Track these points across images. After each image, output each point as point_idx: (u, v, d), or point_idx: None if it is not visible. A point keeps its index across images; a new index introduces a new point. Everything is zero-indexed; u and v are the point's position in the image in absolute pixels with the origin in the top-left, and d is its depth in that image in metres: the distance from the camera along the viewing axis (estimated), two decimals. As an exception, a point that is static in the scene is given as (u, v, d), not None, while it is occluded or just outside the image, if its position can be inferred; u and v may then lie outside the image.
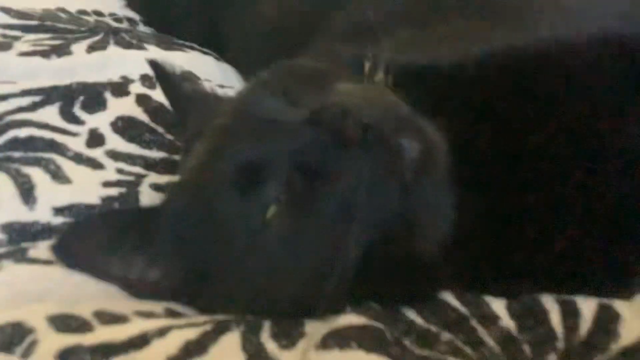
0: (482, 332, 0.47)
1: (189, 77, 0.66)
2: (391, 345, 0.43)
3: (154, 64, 0.64)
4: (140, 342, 0.41)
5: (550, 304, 0.50)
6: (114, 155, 0.65)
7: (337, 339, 0.42)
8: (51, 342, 0.40)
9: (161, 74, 0.64)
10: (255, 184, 0.47)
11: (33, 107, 0.69)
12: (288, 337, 0.45)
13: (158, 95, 0.73)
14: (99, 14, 1.06)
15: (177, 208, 0.52)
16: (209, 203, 0.49)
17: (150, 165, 0.66)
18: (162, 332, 0.42)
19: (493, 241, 0.51)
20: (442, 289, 0.51)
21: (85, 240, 0.50)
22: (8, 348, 0.39)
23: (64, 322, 0.42)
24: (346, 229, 0.45)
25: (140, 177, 0.63)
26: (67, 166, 0.61)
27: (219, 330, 0.44)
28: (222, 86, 0.80)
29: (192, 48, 0.93)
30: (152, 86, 0.75)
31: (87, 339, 0.41)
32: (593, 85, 0.53)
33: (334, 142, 0.45)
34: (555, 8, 0.62)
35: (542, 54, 0.54)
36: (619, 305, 0.50)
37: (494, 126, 0.52)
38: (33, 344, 0.39)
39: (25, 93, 0.70)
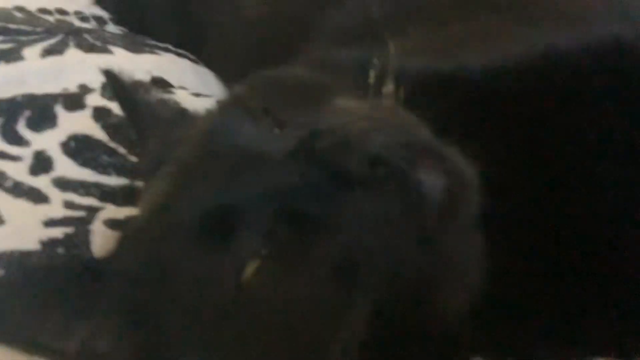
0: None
1: (157, 86, 0.55)
2: None
3: (108, 73, 0.53)
4: None
5: None
6: (63, 184, 0.54)
7: None
8: None
9: (118, 86, 0.52)
10: (227, 235, 0.37)
11: (-33, 125, 0.58)
12: None
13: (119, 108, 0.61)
14: (62, 12, 0.95)
15: (128, 264, 0.41)
16: (168, 260, 0.39)
17: (107, 195, 0.55)
18: None
19: (532, 301, 0.41)
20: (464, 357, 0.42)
21: (12, 301, 0.40)
22: None
23: None
24: (348, 289, 0.36)
25: (93, 212, 0.52)
26: (3, 201, 0.50)
27: None
28: (197, 94, 0.69)
29: (167, 50, 0.83)
30: (111, 97, 0.64)
31: None
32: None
33: (331, 181, 0.34)
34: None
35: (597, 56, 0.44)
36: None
37: (542, 153, 0.41)
38: None
39: (-41, 108, 0.59)
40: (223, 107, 0.43)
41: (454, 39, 0.49)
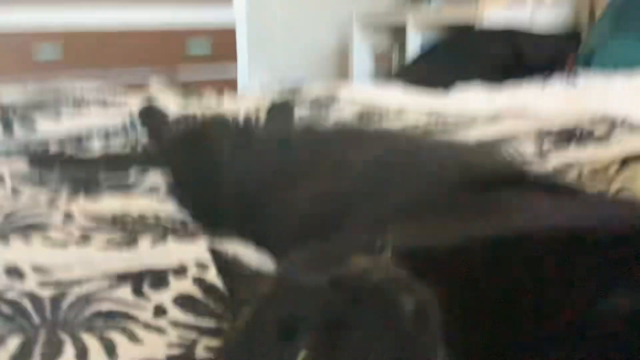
0: None
1: (239, 260, 0.84)
2: None
3: (211, 249, 0.83)
4: None
5: None
6: (175, 324, 0.81)
7: None
8: None
9: (217, 255, 0.82)
10: (289, 336, 0.60)
11: (110, 287, 0.87)
12: None
13: (210, 276, 0.90)
14: (157, 217, 1.26)
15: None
16: (254, 354, 0.63)
17: (204, 332, 0.81)
18: None
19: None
20: None
21: None
22: None
23: None
24: None
25: (195, 342, 0.78)
26: (139, 331, 0.77)
27: None
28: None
29: (237, 242, 1.12)
30: (204, 270, 0.93)
31: None
32: (556, 262, 0.69)
33: (349, 301, 0.61)
34: (527, 207, 0.81)
35: (510, 241, 0.71)
36: None
37: (475, 291, 0.67)
38: None
39: (105, 277, 0.88)
40: (288, 264, 0.71)
41: (429, 230, 0.78)
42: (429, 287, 0.63)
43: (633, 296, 0.67)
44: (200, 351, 0.77)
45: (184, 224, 1.26)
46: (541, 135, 1.66)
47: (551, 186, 0.86)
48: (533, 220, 0.74)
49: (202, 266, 0.94)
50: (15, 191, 1.29)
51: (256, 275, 0.77)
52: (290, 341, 0.61)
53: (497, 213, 0.77)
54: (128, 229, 1.11)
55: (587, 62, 3.11)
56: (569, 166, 1.41)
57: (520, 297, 0.67)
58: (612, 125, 1.69)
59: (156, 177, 1.42)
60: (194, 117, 1.90)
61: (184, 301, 0.86)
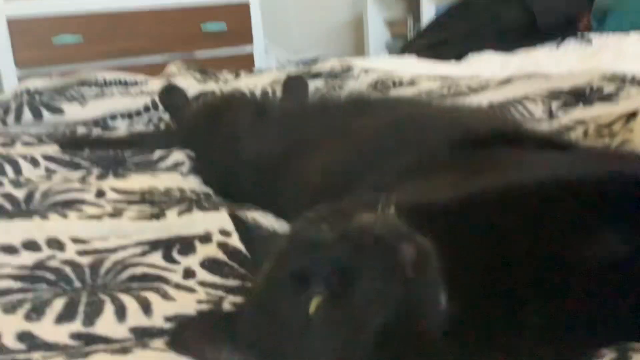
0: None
1: (258, 223, 0.91)
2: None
3: (232, 215, 0.90)
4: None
5: None
6: (203, 284, 0.89)
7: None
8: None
9: (237, 220, 0.89)
10: (304, 285, 0.66)
11: (143, 253, 0.95)
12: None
13: (232, 241, 0.97)
14: (182, 191, 1.34)
15: (250, 310, 0.73)
16: (273, 303, 0.69)
17: (229, 290, 0.89)
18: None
19: (479, 324, 0.71)
20: None
21: (187, 335, 0.72)
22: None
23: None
24: (368, 312, 0.64)
25: (222, 298, 0.86)
26: (171, 291, 0.85)
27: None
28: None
29: (255, 210, 1.19)
30: (227, 236, 1.00)
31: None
32: (547, 212, 0.75)
33: (355, 251, 0.67)
34: (526, 163, 0.86)
35: (505, 193, 0.77)
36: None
37: (471, 241, 0.73)
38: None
39: (137, 244, 0.96)
40: (300, 222, 0.77)
41: (429, 189, 0.84)
42: (429, 238, 0.70)
43: (624, 243, 0.72)
44: (227, 306, 0.84)
45: (207, 196, 1.34)
46: (551, 96, 1.69)
47: (549, 142, 0.92)
48: (527, 173, 0.79)
49: (225, 233, 1.01)
50: (49, 171, 1.37)
51: (274, 237, 0.84)
52: (305, 290, 0.68)
53: (493, 169, 0.82)
54: (156, 202, 1.18)
55: (601, 22, 3.10)
56: (577, 123, 1.45)
57: (515, 244, 0.72)
58: (622, 83, 1.71)
59: (179, 155, 1.49)
60: (212, 93, 1.96)
61: (210, 264, 0.93)
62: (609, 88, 1.68)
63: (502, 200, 0.75)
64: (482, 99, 1.77)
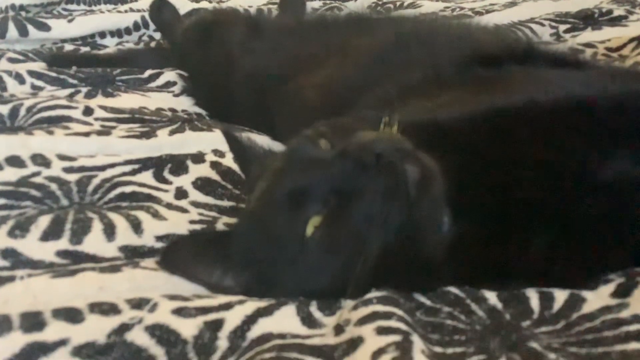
0: (474, 307, 0.62)
1: (252, 141, 0.87)
2: (403, 306, 0.59)
3: (226, 132, 0.86)
4: (226, 306, 0.59)
5: (531, 293, 0.64)
6: (195, 204, 0.86)
7: (364, 302, 0.59)
8: (166, 305, 0.58)
9: (232, 139, 0.85)
10: (301, 205, 0.63)
11: (133, 172, 0.91)
12: (330, 309, 0.62)
13: (226, 161, 0.94)
14: (173, 110, 1.29)
15: (244, 230, 0.70)
16: (268, 223, 0.66)
17: (222, 211, 0.85)
18: (241, 302, 0.60)
19: (484, 247, 0.68)
20: (446, 285, 0.65)
21: (179, 254, 0.69)
22: (139, 306, 0.58)
23: (173, 296, 0.61)
24: (367, 233, 0.61)
25: (215, 219, 0.83)
26: (163, 210, 0.82)
27: (281, 303, 0.61)
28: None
29: (250, 132, 1.14)
30: (221, 156, 0.96)
31: (190, 304, 0.59)
32: (558, 130, 0.71)
33: (356, 169, 0.63)
34: (533, 79, 0.81)
35: (516, 111, 0.73)
36: (586, 293, 0.64)
37: (479, 160, 0.69)
38: (155, 305, 0.58)
39: (127, 162, 0.92)
40: (298, 139, 0.73)
41: (435, 105, 0.79)
42: (434, 157, 0.66)
43: (634, 163, 0.69)
44: (220, 227, 0.81)
45: (200, 116, 1.29)
46: (558, 18, 1.62)
47: (562, 61, 0.86)
48: (540, 91, 0.75)
49: (219, 153, 0.97)
50: (35, 88, 1.31)
51: (269, 155, 0.80)
52: (302, 209, 0.64)
53: (504, 86, 0.78)
54: (146, 122, 1.14)
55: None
56: (585, 47, 1.39)
57: (525, 163, 0.68)
58: (632, 6, 1.65)
59: (171, 74, 1.43)
60: (205, 9, 1.88)
61: (203, 184, 0.90)
62: (618, 11, 1.62)
63: (513, 118, 0.70)
64: (487, 20, 1.69)
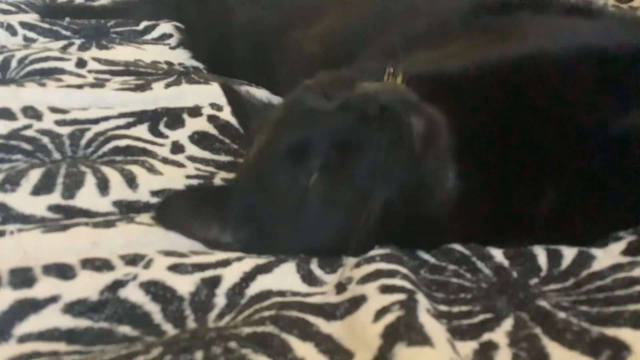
0: (480, 265, 0.60)
1: (251, 94, 0.84)
2: (407, 263, 0.57)
3: (224, 85, 0.82)
4: (224, 263, 0.57)
5: (539, 250, 0.62)
6: (192, 159, 0.83)
7: (367, 260, 0.57)
8: (162, 261, 0.56)
9: (230, 92, 0.81)
10: (302, 158, 0.61)
11: (128, 125, 0.88)
12: (330, 266, 0.60)
13: (224, 115, 0.91)
14: (169, 63, 1.25)
15: (243, 185, 0.68)
16: (268, 177, 0.63)
17: (220, 166, 0.83)
18: (239, 259, 0.58)
19: (491, 203, 0.65)
20: (451, 242, 0.63)
21: (175, 209, 0.67)
22: (133, 263, 0.56)
23: (168, 252, 0.58)
24: (370, 189, 0.59)
25: (213, 174, 0.80)
26: (158, 165, 0.79)
27: (280, 260, 0.59)
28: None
29: (249, 85, 1.11)
30: (219, 109, 0.93)
31: (187, 261, 0.57)
32: (569, 81, 0.68)
33: (358, 122, 0.60)
34: (544, 28, 0.78)
35: (526, 61, 0.70)
36: (595, 251, 0.62)
37: (488, 113, 0.66)
38: (150, 261, 0.56)
39: (121, 115, 0.89)
40: (298, 91, 0.70)
41: (441, 56, 0.76)
42: (440, 110, 0.63)
43: None
44: (218, 182, 0.79)
45: (197, 69, 1.26)
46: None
47: (575, 9, 0.83)
48: (551, 41, 0.71)
49: (216, 106, 0.94)
50: (27, 40, 1.27)
51: (268, 108, 0.77)
52: (303, 163, 0.61)
53: (513, 36, 0.74)
54: (141, 74, 1.10)
55: None
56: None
57: (535, 116, 0.66)
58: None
59: (167, 26, 1.38)
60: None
61: (200, 138, 0.87)
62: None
63: (522, 69, 0.67)
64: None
